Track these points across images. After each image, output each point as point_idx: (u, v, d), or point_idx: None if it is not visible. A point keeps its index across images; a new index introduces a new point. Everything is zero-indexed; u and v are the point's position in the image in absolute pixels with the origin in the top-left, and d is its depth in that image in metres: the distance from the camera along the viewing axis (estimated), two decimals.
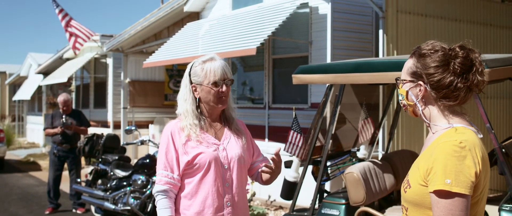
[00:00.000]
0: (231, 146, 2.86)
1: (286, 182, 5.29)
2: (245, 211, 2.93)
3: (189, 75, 2.83)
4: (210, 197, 2.75)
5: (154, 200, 7.05)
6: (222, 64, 2.81)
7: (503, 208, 3.94)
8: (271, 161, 2.82)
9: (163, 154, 2.78)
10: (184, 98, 2.83)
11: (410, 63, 2.10)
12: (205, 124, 2.84)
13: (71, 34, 14.51)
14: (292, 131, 5.22)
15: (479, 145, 1.95)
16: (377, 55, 8.26)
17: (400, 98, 2.16)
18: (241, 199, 2.87)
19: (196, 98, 2.82)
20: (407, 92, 2.10)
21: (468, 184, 1.84)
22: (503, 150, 3.90)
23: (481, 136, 2.04)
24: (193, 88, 2.81)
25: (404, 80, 2.11)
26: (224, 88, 2.79)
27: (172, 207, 2.77)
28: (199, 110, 2.83)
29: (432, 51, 2.03)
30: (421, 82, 2.04)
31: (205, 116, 2.86)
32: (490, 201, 5.11)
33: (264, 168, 2.82)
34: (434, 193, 1.87)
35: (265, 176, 2.95)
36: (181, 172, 2.79)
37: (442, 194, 1.85)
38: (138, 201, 7.10)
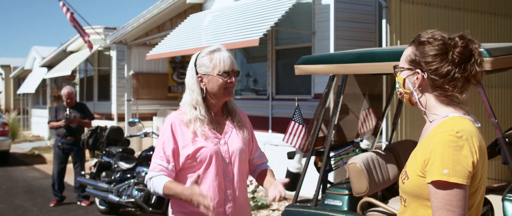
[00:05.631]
0: (232, 140, 2.82)
1: (289, 173, 5.28)
2: (246, 205, 2.91)
3: (195, 65, 2.78)
4: (211, 191, 2.73)
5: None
6: (230, 55, 2.78)
7: (507, 198, 3.93)
8: (266, 166, 3.00)
9: (161, 145, 2.75)
10: (192, 89, 2.77)
11: (408, 51, 2.09)
12: (209, 116, 2.79)
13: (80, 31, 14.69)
14: (293, 122, 5.20)
15: (476, 135, 1.94)
16: (380, 45, 8.23)
17: (397, 85, 2.16)
18: (241, 193, 2.85)
19: (202, 89, 2.77)
20: (404, 80, 2.10)
21: (465, 174, 1.83)
22: (507, 139, 3.88)
23: (479, 125, 2.03)
24: (199, 79, 2.76)
25: (402, 67, 2.11)
26: (233, 78, 2.75)
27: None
28: (205, 102, 2.78)
29: (431, 39, 2.02)
30: (419, 70, 2.03)
31: (209, 108, 2.81)
32: (494, 191, 5.10)
33: (273, 193, 2.69)
34: (432, 184, 1.86)
35: (264, 184, 2.90)
36: (182, 165, 2.75)
37: (440, 184, 1.84)
38: (142, 193, 7.13)
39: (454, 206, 1.83)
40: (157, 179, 2.70)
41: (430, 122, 2.06)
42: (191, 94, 2.78)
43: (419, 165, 1.94)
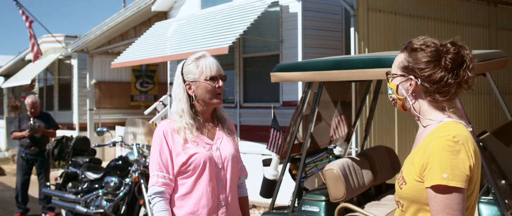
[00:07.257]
0: (224, 145, 2.83)
1: (265, 180, 5.28)
2: (237, 210, 2.91)
3: (182, 74, 2.78)
4: (204, 197, 2.72)
5: (127, 202, 6.93)
6: (215, 60, 2.80)
7: (481, 200, 4.03)
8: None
9: (156, 155, 2.72)
10: (179, 98, 2.77)
11: (401, 57, 2.11)
12: (199, 123, 2.79)
13: (33, 44, 14.43)
14: (272, 130, 5.21)
15: (471, 139, 1.99)
16: (347, 53, 8.35)
17: (389, 92, 2.18)
18: (234, 198, 2.85)
19: (190, 97, 2.77)
20: (397, 86, 2.12)
21: (463, 178, 1.87)
22: (481, 143, 3.98)
23: (471, 129, 2.08)
24: (187, 87, 2.76)
25: (395, 74, 2.13)
26: (220, 83, 2.77)
27: (169, 209, 2.72)
28: (193, 110, 2.78)
29: (423, 46, 2.05)
30: (412, 77, 2.06)
31: (198, 115, 2.81)
32: None
33: None
34: (431, 189, 1.89)
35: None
36: (176, 173, 2.74)
37: (440, 189, 1.87)
38: (111, 203, 6.99)
39: (453, 209, 1.87)
40: (158, 206, 2.70)
41: (424, 126, 2.09)
42: (177, 103, 2.79)
43: (416, 170, 1.97)
